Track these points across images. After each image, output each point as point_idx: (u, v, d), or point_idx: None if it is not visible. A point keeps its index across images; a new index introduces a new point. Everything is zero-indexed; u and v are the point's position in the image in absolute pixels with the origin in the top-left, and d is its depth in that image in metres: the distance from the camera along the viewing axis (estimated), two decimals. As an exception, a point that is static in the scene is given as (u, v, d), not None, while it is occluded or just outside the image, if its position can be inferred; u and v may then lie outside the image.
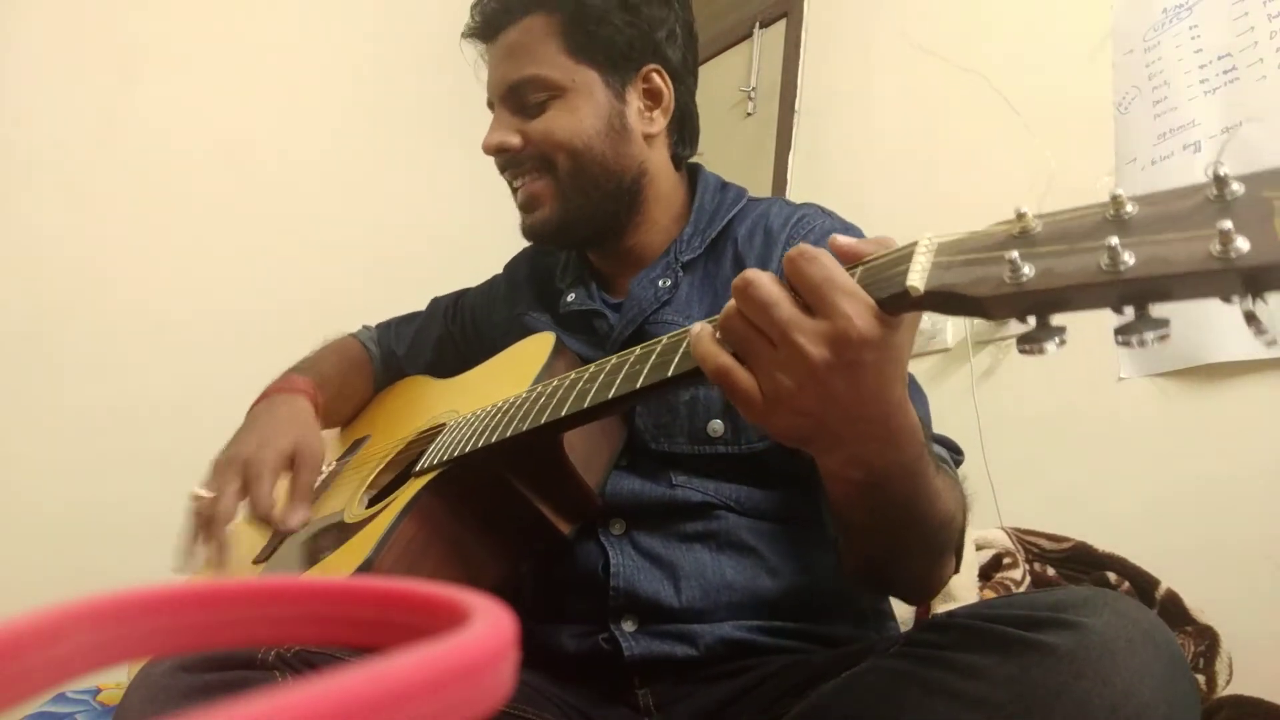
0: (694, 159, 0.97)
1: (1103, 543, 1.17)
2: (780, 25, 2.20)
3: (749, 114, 2.20)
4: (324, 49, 2.15)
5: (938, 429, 0.81)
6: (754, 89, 2.20)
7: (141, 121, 1.81)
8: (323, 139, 2.11)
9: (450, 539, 0.72)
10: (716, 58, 2.33)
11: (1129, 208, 0.38)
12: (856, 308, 0.47)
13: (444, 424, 0.83)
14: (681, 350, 0.57)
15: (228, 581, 0.22)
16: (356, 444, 1.02)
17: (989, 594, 1.14)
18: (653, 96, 0.89)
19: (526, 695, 0.72)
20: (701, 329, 0.53)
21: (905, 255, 0.47)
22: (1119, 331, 0.38)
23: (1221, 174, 0.35)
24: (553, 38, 0.85)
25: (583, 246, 0.93)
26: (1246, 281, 0.34)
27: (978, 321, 1.53)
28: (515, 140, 0.85)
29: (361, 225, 2.15)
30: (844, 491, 0.58)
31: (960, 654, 0.50)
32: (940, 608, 1.09)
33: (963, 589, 1.15)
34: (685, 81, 0.92)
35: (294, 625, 0.22)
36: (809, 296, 0.48)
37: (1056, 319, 0.40)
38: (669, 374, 0.57)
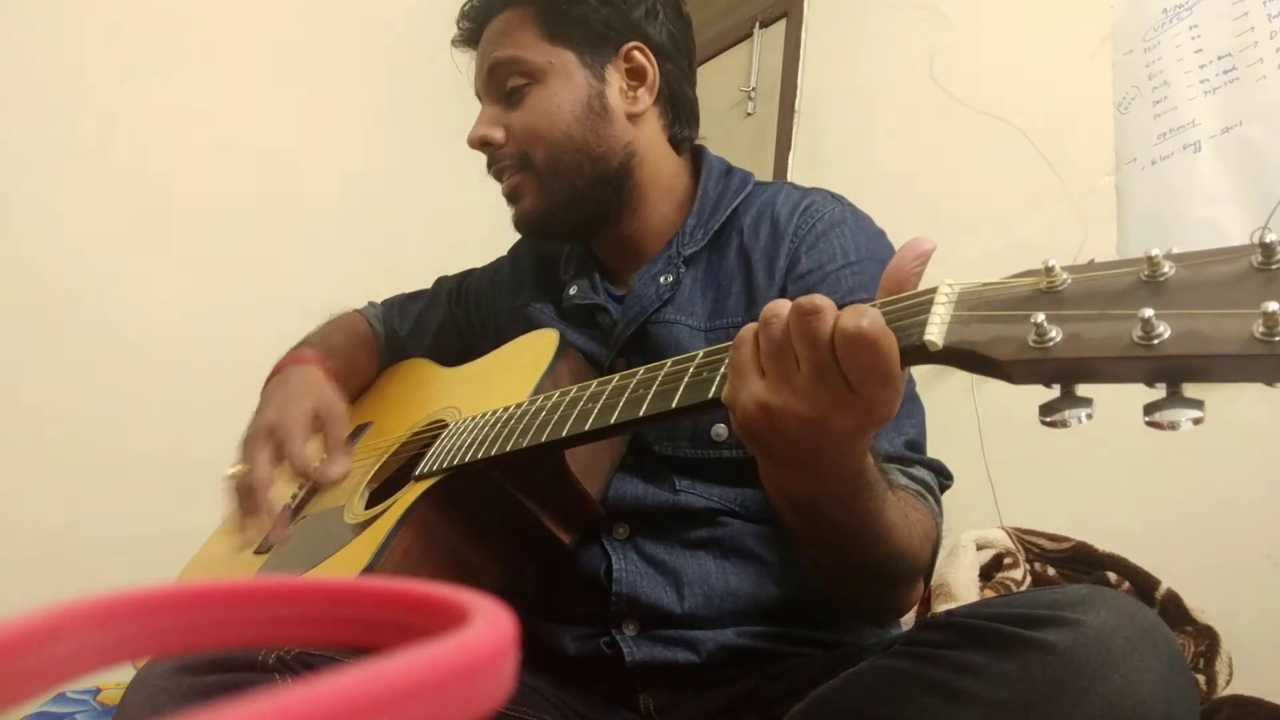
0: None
1: (1103, 543, 1.17)
2: (780, 25, 2.20)
3: (749, 114, 2.20)
4: (325, 45, 2.15)
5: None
6: (754, 89, 2.20)
7: (141, 121, 1.81)
8: (325, 137, 2.11)
9: (448, 547, 0.72)
10: (716, 58, 2.33)
11: (1165, 268, 0.35)
12: (887, 394, 0.47)
13: (444, 421, 0.83)
14: (685, 381, 0.57)
15: (228, 581, 0.22)
16: (359, 430, 1.01)
17: (989, 594, 1.14)
18: (636, 75, 0.87)
19: (527, 697, 0.72)
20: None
21: (924, 304, 0.45)
22: (1148, 409, 0.35)
23: (1269, 240, 0.33)
24: (529, 23, 0.86)
25: (575, 236, 0.92)
26: None
27: (978, 321, 1.53)
28: (498, 134, 0.86)
29: (364, 226, 2.14)
30: (778, 502, 0.61)
31: (959, 652, 0.50)
32: (940, 608, 1.09)
33: (963, 589, 1.14)
34: (675, 61, 0.90)
35: (294, 625, 0.22)
36: (850, 374, 0.47)
37: (1082, 390, 0.37)
38: (672, 405, 0.56)
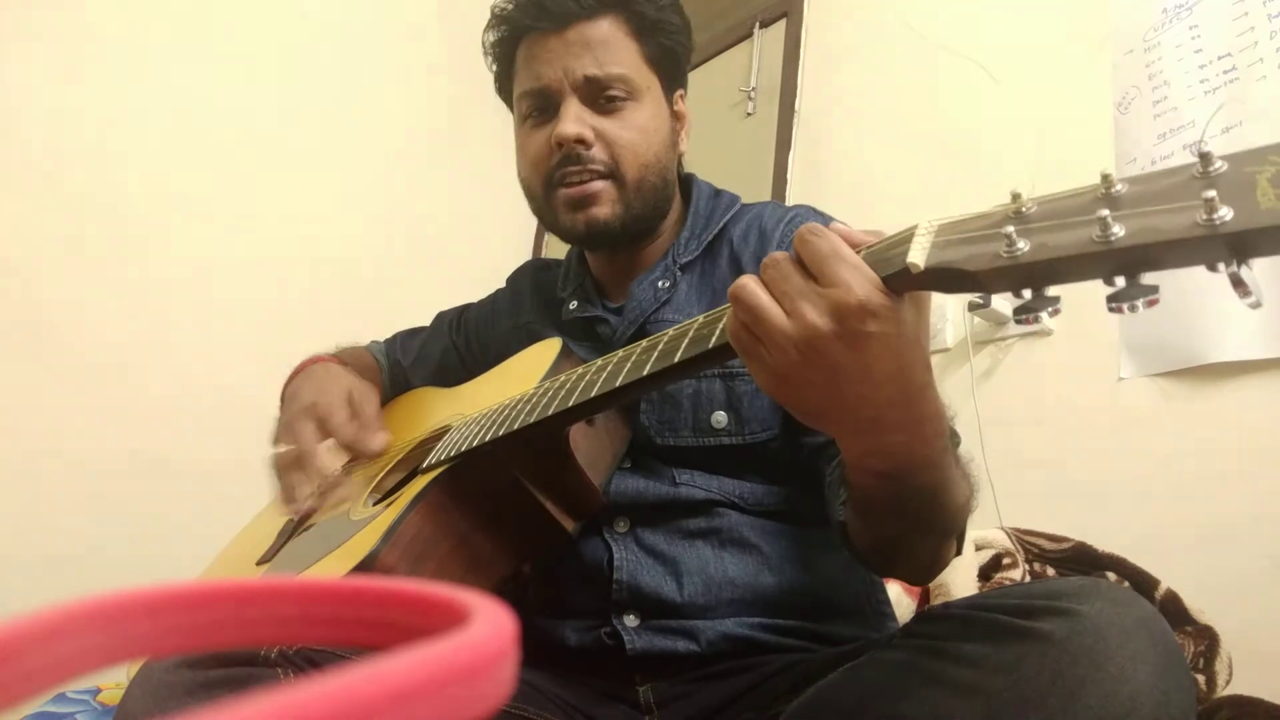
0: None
1: (1103, 543, 1.17)
2: (780, 25, 2.20)
3: (749, 114, 2.20)
4: (329, 51, 2.15)
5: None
6: (754, 89, 2.20)
7: (141, 121, 1.81)
8: (327, 141, 2.11)
9: (456, 534, 0.72)
10: (716, 58, 2.33)
11: (1119, 186, 0.39)
12: (856, 277, 0.47)
13: (450, 425, 0.83)
14: (688, 338, 0.58)
15: (228, 581, 0.22)
16: None
17: (989, 594, 1.14)
18: (679, 118, 0.93)
19: (527, 694, 0.72)
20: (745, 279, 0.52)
21: (906, 237, 0.48)
22: (1111, 299, 0.39)
23: (1206, 151, 0.37)
24: (632, 40, 0.87)
25: (623, 246, 0.92)
26: (1231, 247, 0.35)
27: (978, 321, 1.53)
28: (591, 135, 0.84)
29: (365, 229, 2.15)
30: (865, 481, 0.58)
31: (956, 643, 0.51)
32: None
33: (962, 590, 1.14)
34: None
35: (294, 625, 0.22)
36: (813, 267, 0.48)
37: (1051, 290, 0.41)
38: (676, 359, 0.57)
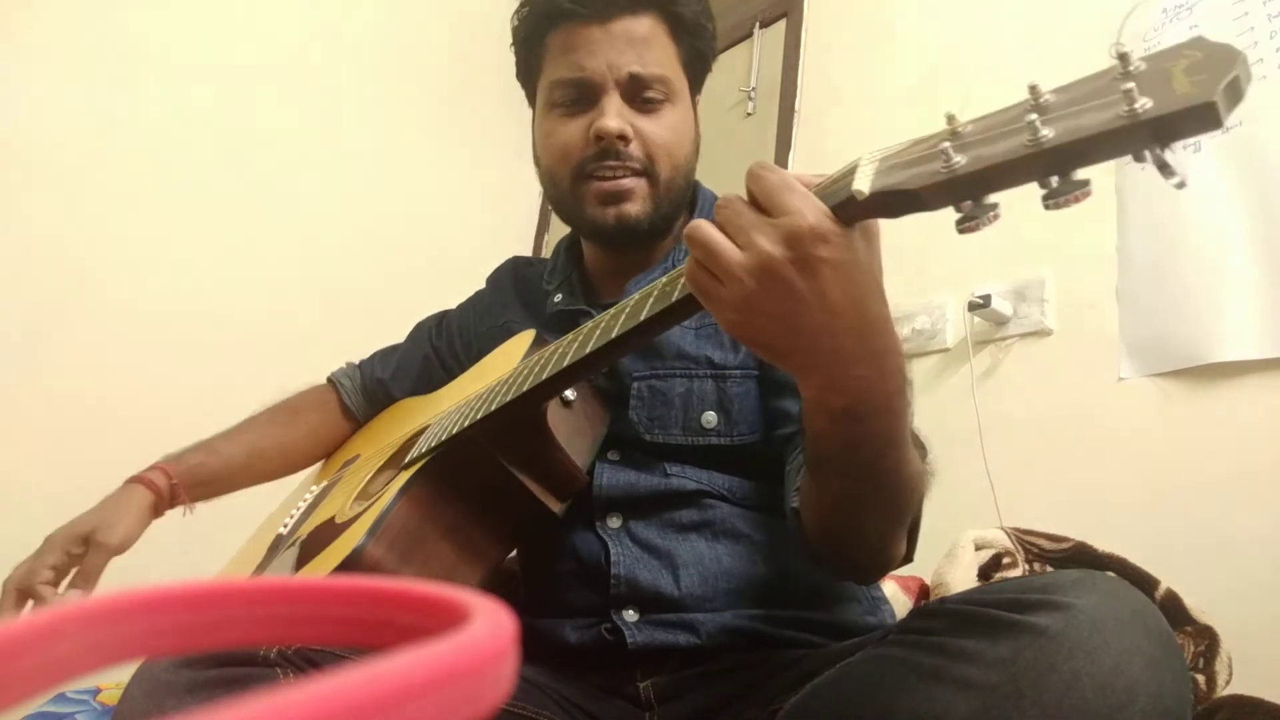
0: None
1: (1103, 543, 1.17)
2: (780, 25, 2.20)
3: (749, 114, 2.20)
4: (328, 50, 2.15)
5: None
6: (754, 89, 2.20)
7: (141, 121, 1.81)
8: (325, 140, 2.11)
9: (442, 523, 0.72)
10: (716, 58, 2.33)
11: (1046, 96, 0.41)
12: (807, 204, 0.48)
13: (431, 425, 0.83)
14: (653, 297, 0.59)
15: (227, 581, 0.22)
16: (346, 464, 1.02)
17: (989, 594, 1.14)
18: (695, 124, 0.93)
19: (526, 692, 0.72)
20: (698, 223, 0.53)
21: (850, 170, 0.50)
22: (1047, 198, 0.41)
23: (1124, 52, 0.39)
24: (670, 41, 0.87)
25: (641, 245, 0.91)
26: (1154, 133, 0.38)
27: (978, 321, 1.53)
28: (631, 132, 0.84)
29: (363, 226, 2.15)
30: (822, 425, 0.57)
31: (952, 638, 0.51)
32: (940, 607, 1.09)
33: (962, 588, 1.14)
34: None
35: (293, 625, 0.22)
36: (765, 201, 0.49)
37: (990, 199, 0.43)
38: (642, 318, 0.58)
